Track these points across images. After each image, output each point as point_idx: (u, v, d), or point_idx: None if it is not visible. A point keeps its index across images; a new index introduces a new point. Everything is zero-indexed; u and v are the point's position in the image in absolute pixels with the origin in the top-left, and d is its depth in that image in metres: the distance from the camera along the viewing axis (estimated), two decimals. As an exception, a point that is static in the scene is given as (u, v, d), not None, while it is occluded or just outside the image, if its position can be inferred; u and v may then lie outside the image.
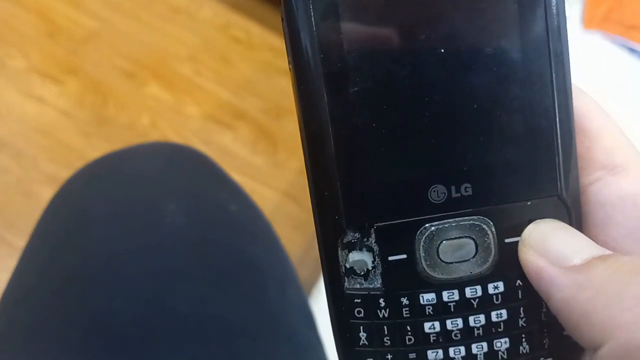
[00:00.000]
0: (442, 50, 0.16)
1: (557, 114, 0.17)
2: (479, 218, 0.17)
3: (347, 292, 0.17)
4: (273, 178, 1.04)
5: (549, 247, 0.16)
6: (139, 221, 0.40)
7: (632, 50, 0.75)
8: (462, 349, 0.17)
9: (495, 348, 0.18)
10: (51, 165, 0.99)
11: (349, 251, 0.17)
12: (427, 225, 0.17)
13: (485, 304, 0.17)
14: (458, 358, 0.18)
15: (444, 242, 0.17)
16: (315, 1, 0.16)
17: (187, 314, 0.37)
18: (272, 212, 1.02)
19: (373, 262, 0.17)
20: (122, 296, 0.38)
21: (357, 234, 0.17)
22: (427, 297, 0.17)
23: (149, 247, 0.40)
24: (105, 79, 1.08)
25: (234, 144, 1.07)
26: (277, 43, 1.15)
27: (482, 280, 0.17)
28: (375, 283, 0.17)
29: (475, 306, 0.17)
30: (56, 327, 0.37)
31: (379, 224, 0.17)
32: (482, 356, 0.18)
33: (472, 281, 0.17)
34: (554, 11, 0.16)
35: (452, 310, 0.17)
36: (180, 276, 0.39)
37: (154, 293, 0.38)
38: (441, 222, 0.17)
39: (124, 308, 0.38)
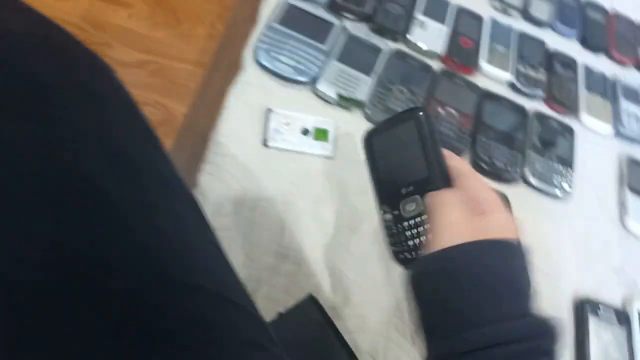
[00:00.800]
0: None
1: (436, 161, 0.47)
2: (416, 196, 0.46)
3: (384, 222, 0.49)
4: (180, 50, 0.96)
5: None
6: None
7: None
8: (416, 240, 0.46)
9: (421, 239, 0.46)
10: None
11: (384, 212, 0.48)
12: (402, 201, 0.47)
13: (420, 223, 0.46)
14: (412, 244, 0.46)
15: (407, 204, 0.47)
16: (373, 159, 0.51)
17: None
18: (185, 83, 0.94)
19: (391, 214, 0.48)
20: None
21: (386, 207, 0.48)
22: (405, 223, 0.47)
23: None
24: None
25: (130, 21, 0.97)
26: None
27: (420, 215, 0.46)
28: (393, 221, 0.47)
29: (419, 224, 0.46)
30: None
31: (390, 202, 0.48)
32: (418, 242, 0.46)
33: (417, 216, 0.46)
34: (432, 144, 0.47)
35: (412, 226, 0.46)
36: None
37: None
38: (406, 199, 0.47)
39: None
